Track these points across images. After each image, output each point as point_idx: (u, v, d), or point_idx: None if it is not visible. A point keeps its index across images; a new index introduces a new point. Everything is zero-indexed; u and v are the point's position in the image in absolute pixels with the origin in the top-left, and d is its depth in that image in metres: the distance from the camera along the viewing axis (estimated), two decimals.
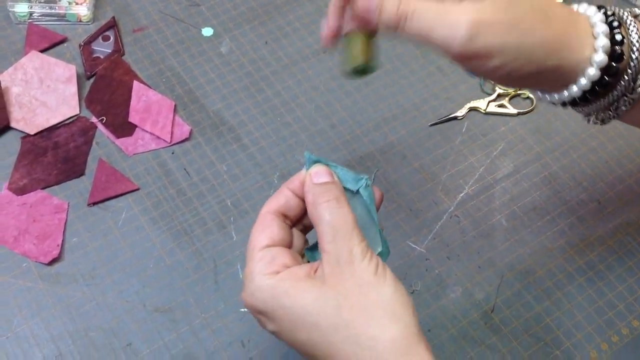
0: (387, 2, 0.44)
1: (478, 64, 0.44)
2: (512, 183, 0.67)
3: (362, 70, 0.48)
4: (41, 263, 0.60)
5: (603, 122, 0.49)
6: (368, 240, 0.43)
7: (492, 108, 0.71)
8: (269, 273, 0.42)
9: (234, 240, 0.63)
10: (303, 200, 0.45)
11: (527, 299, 0.61)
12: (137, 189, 0.65)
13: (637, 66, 0.45)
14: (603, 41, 0.44)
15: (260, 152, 0.68)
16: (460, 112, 0.71)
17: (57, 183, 0.64)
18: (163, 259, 0.61)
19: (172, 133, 0.67)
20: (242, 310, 0.59)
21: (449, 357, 0.58)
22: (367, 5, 0.45)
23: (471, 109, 0.71)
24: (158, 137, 0.67)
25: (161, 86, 0.71)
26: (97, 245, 0.62)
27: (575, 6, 0.47)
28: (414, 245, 0.63)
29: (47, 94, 0.68)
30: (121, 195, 0.64)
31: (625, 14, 0.46)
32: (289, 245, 0.45)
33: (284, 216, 0.45)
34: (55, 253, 0.61)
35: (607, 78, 0.45)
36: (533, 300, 0.61)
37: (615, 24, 0.45)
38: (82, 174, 0.65)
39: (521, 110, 0.71)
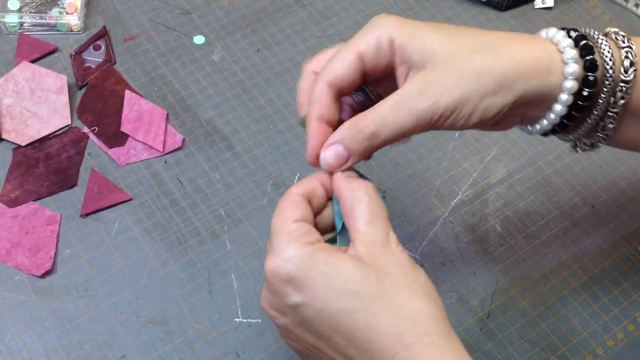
0: (352, 144, 0.44)
1: (454, 121, 0.44)
2: (505, 188, 0.67)
3: None
4: (34, 275, 0.60)
5: (592, 147, 0.49)
6: None
7: None
8: (306, 242, 0.42)
9: (228, 249, 0.62)
10: (327, 196, 0.46)
11: (522, 305, 0.61)
12: (130, 199, 0.64)
13: (613, 82, 0.44)
14: (573, 67, 0.43)
15: (253, 160, 0.67)
16: None
17: (50, 194, 0.64)
18: (157, 270, 0.61)
19: (164, 142, 0.67)
20: (237, 320, 0.59)
21: None
22: (336, 161, 0.45)
23: None
24: (150, 147, 0.67)
25: (153, 95, 0.70)
26: (90, 256, 0.62)
27: (543, 32, 0.46)
28: (408, 252, 0.63)
29: (38, 104, 0.68)
30: (114, 205, 0.64)
31: (596, 33, 0.45)
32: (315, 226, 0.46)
33: (308, 200, 0.45)
34: (48, 265, 0.60)
35: (581, 103, 0.44)
36: (528, 306, 0.61)
37: (583, 44, 0.44)
38: (74, 184, 0.65)
39: None
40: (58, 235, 0.62)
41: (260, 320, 0.59)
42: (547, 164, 0.68)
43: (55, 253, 0.61)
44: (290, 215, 0.43)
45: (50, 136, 0.67)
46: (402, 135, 0.44)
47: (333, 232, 0.46)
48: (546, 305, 0.61)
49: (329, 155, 0.45)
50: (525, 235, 0.64)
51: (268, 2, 0.78)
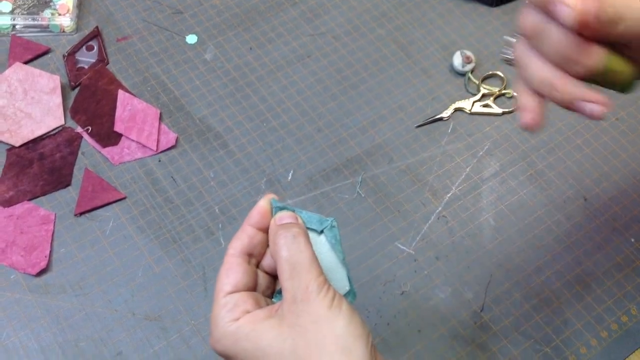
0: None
1: None
2: (498, 182, 0.67)
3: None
4: (29, 274, 0.60)
5: None
6: (334, 282, 0.44)
7: (477, 108, 0.71)
8: (231, 320, 0.43)
9: (223, 246, 0.63)
10: (265, 236, 0.46)
11: (516, 297, 0.61)
12: (124, 198, 0.65)
13: None
14: None
15: (247, 158, 0.68)
16: (446, 113, 0.71)
17: (44, 194, 0.64)
18: (151, 267, 0.61)
19: (158, 141, 0.67)
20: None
21: (439, 357, 0.58)
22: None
23: (456, 110, 0.71)
24: (144, 146, 0.67)
25: (146, 94, 0.71)
26: (85, 255, 0.62)
27: None
28: (402, 247, 0.63)
29: (31, 105, 0.68)
30: (108, 204, 0.64)
31: None
32: (254, 288, 0.46)
33: (249, 255, 0.46)
34: (43, 264, 0.60)
35: None
36: (522, 298, 0.61)
37: None
38: (68, 184, 0.65)
39: (506, 110, 0.71)
40: (53, 235, 0.62)
41: None
42: (540, 158, 0.69)
43: (50, 252, 0.61)
44: (221, 288, 0.44)
45: (44, 136, 0.67)
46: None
47: None
48: (540, 297, 0.61)
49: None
50: (519, 228, 0.65)
51: (260, 0, 0.78)
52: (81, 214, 0.64)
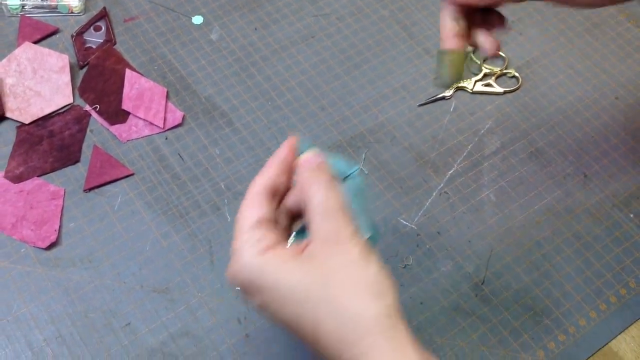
0: None
1: None
2: (499, 159, 0.68)
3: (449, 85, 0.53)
4: (39, 248, 0.62)
5: None
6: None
7: (479, 87, 0.72)
8: (257, 252, 0.43)
9: (229, 221, 0.64)
10: (289, 177, 0.46)
11: (517, 271, 0.62)
12: (132, 174, 0.66)
13: None
14: None
15: (252, 136, 0.69)
16: (448, 92, 0.72)
17: (53, 170, 0.66)
18: (159, 241, 0.63)
19: (165, 119, 0.69)
20: (238, 288, 0.60)
21: (441, 329, 0.59)
22: None
23: (458, 89, 0.72)
24: (151, 124, 0.68)
25: (153, 74, 0.72)
26: (94, 229, 0.63)
27: None
28: (405, 222, 0.64)
29: (40, 83, 0.69)
30: (116, 180, 0.65)
31: None
32: (275, 225, 0.46)
33: (272, 194, 0.46)
34: (53, 238, 0.62)
35: None
36: (522, 272, 0.62)
37: None
38: (77, 161, 0.66)
39: (507, 89, 0.72)
40: (62, 210, 0.64)
41: None
42: (540, 136, 0.70)
43: (60, 226, 0.63)
44: (246, 220, 0.44)
45: (53, 114, 0.68)
46: None
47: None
48: (540, 271, 0.62)
49: None
50: (519, 204, 0.66)
51: None
52: (90, 189, 0.65)
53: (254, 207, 0.45)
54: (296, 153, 0.46)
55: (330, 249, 0.42)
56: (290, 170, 0.47)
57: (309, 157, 0.45)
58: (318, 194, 0.43)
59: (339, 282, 0.42)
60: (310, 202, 0.44)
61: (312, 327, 0.42)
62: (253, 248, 0.43)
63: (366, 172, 0.67)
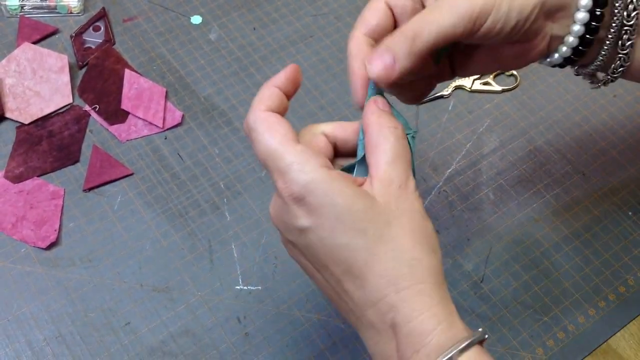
0: (395, 46, 0.43)
1: (482, 31, 0.44)
2: (498, 158, 0.69)
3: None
4: (39, 248, 0.62)
5: (615, 73, 0.50)
6: None
7: (477, 86, 0.72)
8: (322, 165, 0.41)
9: (228, 220, 0.64)
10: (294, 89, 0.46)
11: (516, 269, 0.62)
12: (132, 174, 0.66)
13: (623, 1, 0.46)
14: None
15: None
16: (446, 91, 0.72)
17: (53, 170, 0.66)
18: (159, 241, 0.63)
19: (164, 119, 0.69)
20: (238, 287, 0.61)
21: None
22: (383, 68, 0.43)
23: (457, 88, 0.72)
24: (150, 123, 0.68)
25: (152, 74, 0.72)
26: (94, 229, 0.63)
27: None
28: None
29: (40, 84, 0.70)
30: (116, 180, 0.66)
31: None
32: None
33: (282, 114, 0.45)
34: (52, 238, 0.62)
35: (595, 24, 0.46)
36: (521, 270, 0.62)
37: None
38: (76, 160, 0.66)
39: (505, 87, 0.72)
40: (62, 209, 0.64)
41: (260, 287, 0.60)
42: (539, 134, 0.70)
43: (60, 226, 0.63)
44: (285, 134, 0.42)
45: (53, 114, 0.69)
46: (444, 37, 0.43)
47: (350, 158, 0.46)
48: (539, 268, 0.62)
49: (375, 63, 0.44)
50: (518, 202, 0.66)
51: None
52: (90, 189, 0.65)
53: (281, 124, 0.43)
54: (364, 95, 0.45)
55: (394, 192, 0.41)
56: (295, 86, 0.46)
57: (379, 100, 0.44)
58: (391, 138, 0.42)
59: (402, 225, 0.41)
60: (378, 145, 0.42)
61: (366, 261, 0.40)
62: (316, 160, 0.41)
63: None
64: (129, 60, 0.73)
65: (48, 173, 0.66)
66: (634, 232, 0.64)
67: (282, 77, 0.45)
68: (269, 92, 0.45)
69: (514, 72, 0.73)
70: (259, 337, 0.58)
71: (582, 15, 0.46)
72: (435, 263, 0.42)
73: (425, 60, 0.45)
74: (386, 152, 0.42)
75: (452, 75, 0.52)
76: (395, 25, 0.47)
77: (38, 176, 0.65)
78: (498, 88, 0.72)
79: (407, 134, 0.44)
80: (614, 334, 0.60)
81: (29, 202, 0.64)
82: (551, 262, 0.63)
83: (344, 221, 0.40)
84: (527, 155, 0.69)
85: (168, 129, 0.69)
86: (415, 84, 0.50)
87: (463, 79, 0.72)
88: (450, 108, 0.71)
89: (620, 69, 0.50)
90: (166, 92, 0.71)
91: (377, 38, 0.46)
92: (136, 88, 0.70)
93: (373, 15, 0.46)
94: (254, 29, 0.76)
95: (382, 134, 0.42)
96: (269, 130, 0.42)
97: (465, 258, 0.63)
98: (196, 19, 0.76)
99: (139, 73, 0.71)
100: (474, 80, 0.73)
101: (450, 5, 0.43)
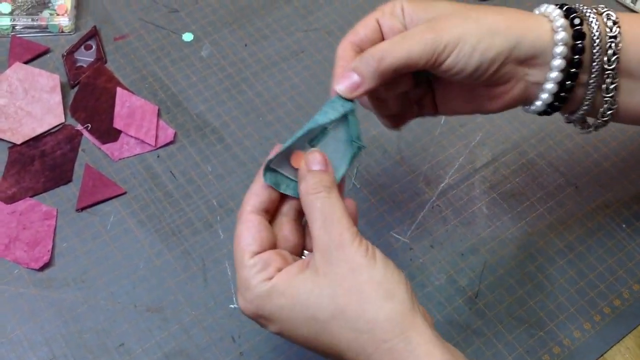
0: (362, 67, 0.46)
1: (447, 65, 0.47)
2: (491, 171, 0.69)
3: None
4: (32, 269, 0.61)
5: (604, 116, 0.52)
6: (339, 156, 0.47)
7: None
8: (263, 280, 0.43)
9: (221, 238, 0.64)
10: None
11: (510, 283, 0.62)
12: (124, 193, 0.66)
13: (601, 42, 0.47)
14: (562, 34, 0.47)
15: (243, 152, 0.69)
16: None
17: (45, 190, 0.66)
18: (152, 260, 0.63)
19: (156, 137, 0.69)
20: (232, 306, 0.60)
21: None
22: (350, 86, 0.47)
23: None
24: (143, 142, 0.68)
25: (144, 92, 0.72)
26: (87, 249, 0.63)
27: (536, 10, 0.51)
28: (397, 236, 0.65)
29: (32, 104, 0.69)
30: (109, 199, 0.65)
31: (588, 10, 0.49)
32: (275, 244, 0.46)
33: (265, 212, 0.47)
34: (46, 258, 0.62)
35: (574, 70, 0.48)
36: (516, 284, 0.62)
37: (576, 20, 0.48)
38: (69, 180, 0.66)
39: None
40: (55, 230, 0.64)
41: None
42: (531, 147, 0.70)
43: (53, 247, 0.63)
44: (246, 249, 0.45)
45: (45, 134, 0.68)
46: (407, 63, 0.46)
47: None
48: (533, 283, 0.62)
49: (342, 83, 0.47)
50: (512, 216, 0.66)
51: None
52: (82, 209, 0.65)
53: (250, 231, 0.45)
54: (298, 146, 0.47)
55: (332, 256, 0.42)
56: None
57: (312, 158, 0.46)
58: (317, 204, 0.44)
59: (347, 290, 0.42)
60: (310, 211, 0.44)
61: (331, 343, 0.42)
62: (260, 275, 0.43)
63: (358, 185, 0.67)
64: (120, 78, 0.73)
65: (41, 193, 0.65)
66: (628, 245, 0.64)
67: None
68: (258, 189, 0.48)
69: None
70: (254, 356, 0.58)
71: (558, 63, 0.47)
72: (393, 310, 0.42)
73: (391, 81, 0.48)
74: (317, 220, 0.44)
75: (435, 113, 0.55)
76: (382, 40, 0.50)
77: (31, 196, 0.65)
78: None
79: (355, 145, 0.48)
80: (610, 348, 0.60)
81: (21, 223, 0.63)
82: (545, 276, 0.63)
83: (296, 317, 0.42)
84: (520, 168, 0.69)
85: (160, 147, 0.69)
86: (389, 104, 0.53)
87: None
88: (442, 122, 0.71)
89: (609, 112, 0.51)
90: (158, 110, 0.70)
91: (363, 47, 0.49)
92: (128, 106, 0.70)
93: (363, 28, 0.50)
94: (246, 45, 0.76)
95: (308, 202, 0.44)
96: (242, 234, 0.45)
97: (460, 273, 0.63)
98: (188, 36, 0.76)
99: (130, 91, 0.71)
100: None
101: (420, 37, 0.46)
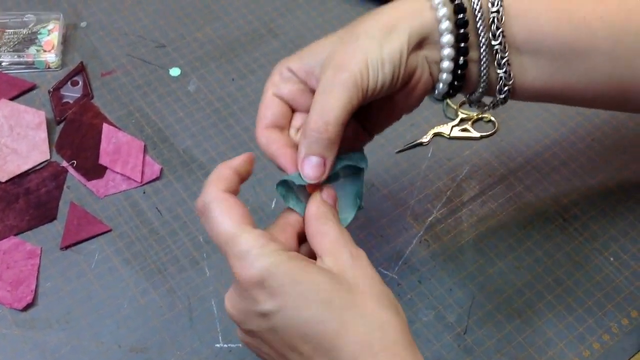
0: (314, 145, 0.45)
1: None
2: (478, 205, 0.68)
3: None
4: (15, 309, 0.61)
5: (501, 94, 0.50)
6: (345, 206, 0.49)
7: (456, 133, 0.73)
8: (277, 248, 0.42)
9: (207, 276, 0.63)
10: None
11: (499, 319, 0.62)
12: (110, 230, 0.65)
13: (483, 17, 0.47)
14: (443, 11, 0.47)
15: None
16: (425, 138, 0.72)
17: (30, 229, 0.65)
18: (137, 299, 0.62)
19: (142, 173, 0.68)
20: (218, 345, 0.60)
21: None
22: (317, 170, 0.46)
23: (435, 135, 0.73)
24: (129, 178, 0.68)
25: (130, 127, 0.72)
26: (71, 288, 0.62)
27: None
28: (385, 272, 0.64)
29: (17, 141, 0.69)
30: (93, 237, 0.65)
31: None
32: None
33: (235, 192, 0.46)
34: (29, 298, 0.61)
35: (462, 45, 0.48)
36: (504, 320, 0.62)
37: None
38: (54, 218, 0.66)
39: (484, 134, 0.73)
40: (39, 269, 0.63)
41: (240, 345, 0.60)
42: (518, 180, 0.70)
43: (36, 286, 0.62)
44: (242, 219, 0.43)
45: (30, 171, 0.68)
46: (348, 113, 0.45)
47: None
48: (522, 318, 0.62)
49: (307, 170, 0.45)
50: (499, 250, 0.66)
51: (241, 33, 0.80)
52: (67, 247, 0.64)
53: (240, 207, 0.44)
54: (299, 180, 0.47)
55: (346, 263, 0.43)
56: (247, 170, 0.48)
57: (329, 193, 0.47)
58: (329, 223, 0.45)
59: (363, 291, 0.42)
60: (319, 231, 0.45)
61: (336, 331, 0.40)
62: (272, 244, 0.42)
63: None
64: (107, 114, 0.73)
65: (25, 231, 0.65)
66: (616, 279, 0.64)
67: (240, 161, 0.47)
68: (227, 173, 0.45)
69: (492, 118, 0.73)
70: None
71: (446, 39, 0.47)
72: (402, 324, 0.42)
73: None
74: (329, 234, 0.44)
75: (370, 137, 0.54)
76: (291, 108, 0.49)
77: (15, 235, 0.64)
78: (477, 134, 0.73)
79: (361, 167, 0.49)
80: None
81: (5, 262, 0.63)
82: (534, 311, 0.62)
83: (308, 296, 0.41)
84: (507, 201, 0.69)
85: (146, 183, 0.68)
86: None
87: (441, 125, 0.73)
88: (429, 155, 0.71)
89: (506, 89, 0.50)
90: (144, 146, 0.70)
91: (281, 126, 0.48)
92: (114, 142, 0.70)
93: (268, 110, 0.48)
94: (233, 79, 0.76)
95: (320, 222, 0.44)
96: (227, 212, 0.43)
97: (448, 309, 0.62)
98: (175, 71, 0.76)
99: (117, 127, 0.71)
100: (453, 127, 0.73)
101: (337, 83, 0.45)
